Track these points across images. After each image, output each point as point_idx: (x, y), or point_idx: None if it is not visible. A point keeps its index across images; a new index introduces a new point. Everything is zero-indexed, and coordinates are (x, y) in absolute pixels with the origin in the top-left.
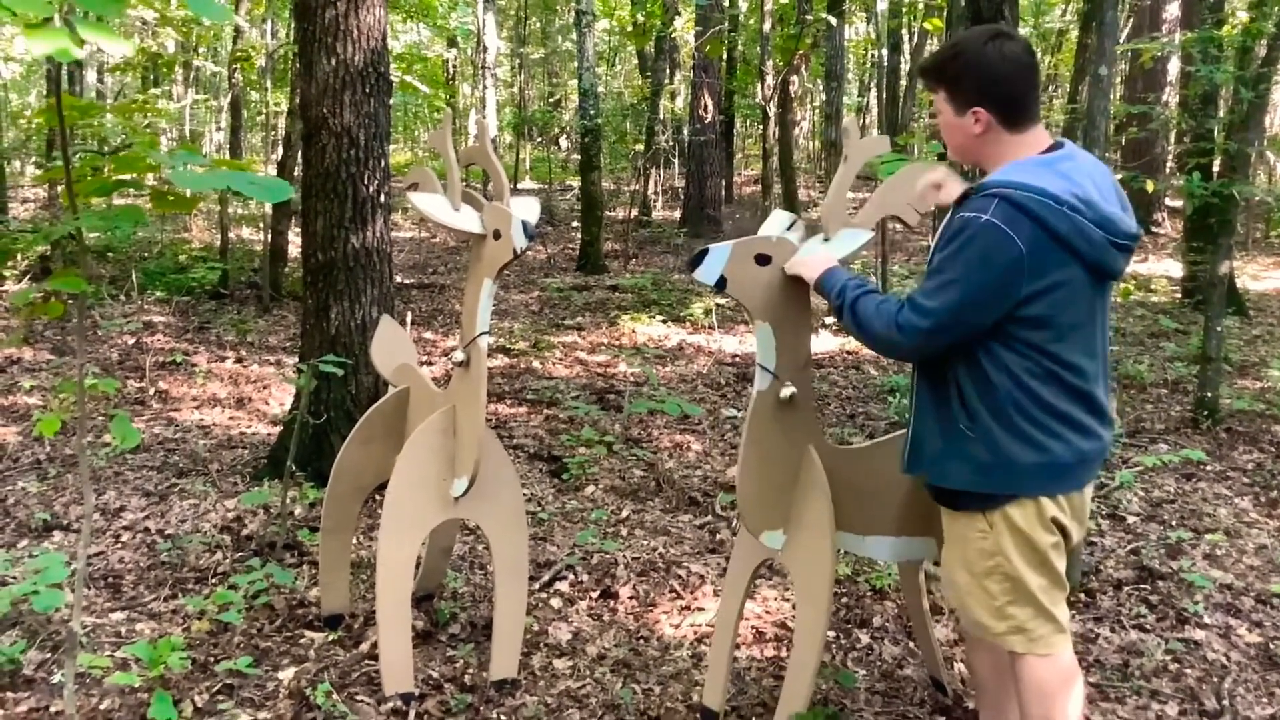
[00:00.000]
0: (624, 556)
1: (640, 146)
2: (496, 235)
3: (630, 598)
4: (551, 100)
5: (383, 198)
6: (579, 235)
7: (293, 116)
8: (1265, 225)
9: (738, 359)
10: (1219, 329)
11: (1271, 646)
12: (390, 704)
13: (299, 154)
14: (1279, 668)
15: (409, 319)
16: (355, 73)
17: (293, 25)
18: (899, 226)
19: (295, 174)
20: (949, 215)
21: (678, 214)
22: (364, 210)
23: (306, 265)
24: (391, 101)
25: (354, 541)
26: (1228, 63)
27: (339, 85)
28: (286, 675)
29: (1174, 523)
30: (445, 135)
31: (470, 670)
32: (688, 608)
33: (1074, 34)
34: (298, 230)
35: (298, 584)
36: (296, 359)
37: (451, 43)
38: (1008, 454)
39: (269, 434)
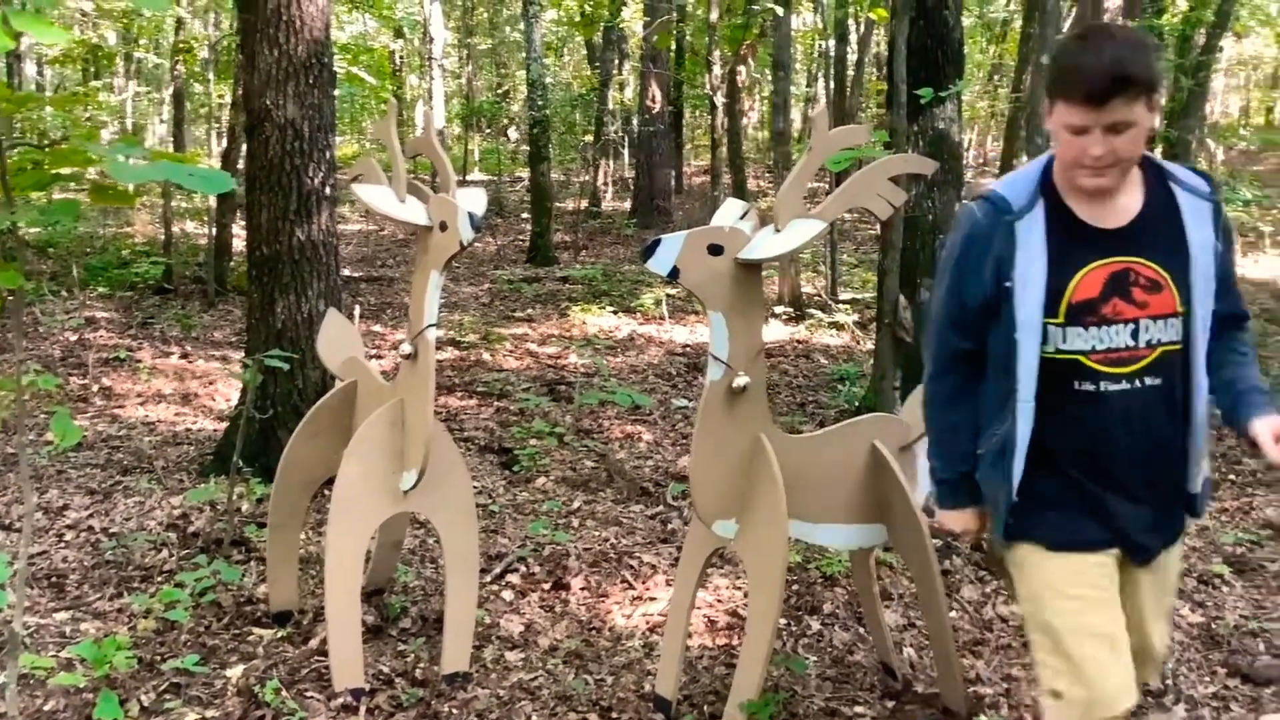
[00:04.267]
0: (575, 547)
1: (589, 137)
2: (443, 227)
3: (582, 589)
4: (500, 91)
5: (328, 190)
6: (529, 227)
7: (236, 108)
8: None
9: (688, 349)
10: None
11: (1213, 626)
12: (340, 700)
13: (243, 146)
14: (1220, 647)
15: (357, 312)
16: (298, 64)
17: (236, 16)
18: (849, 215)
19: (240, 166)
20: (1221, 210)
21: (627, 205)
22: (309, 203)
23: (251, 259)
24: (336, 93)
25: (302, 537)
26: (1168, 51)
27: (282, 76)
28: (234, 673)
29: None
30: (389, 126)
31: (421, 664)
32: (640, 598)
33: (1018, 24)
34: (243, 224)
35: (245, 581)
36: (242, 354)
37: (398, 33)
38: None
39: (215, 430)
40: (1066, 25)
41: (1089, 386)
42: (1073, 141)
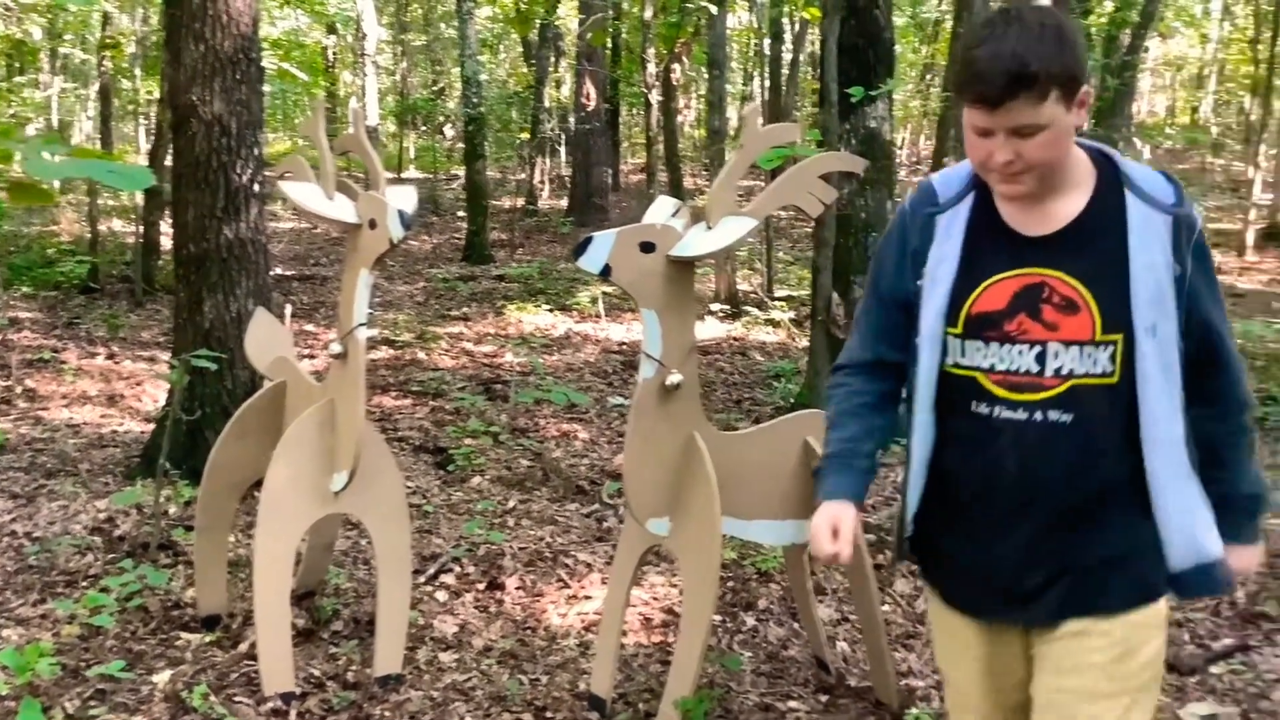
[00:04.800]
0: (511, 547)
1: (526, 135)
2: (372, 225)
3: (517, 588)
4: (435, 88)
5: (256, 187)
6: (465, 225)
7: (163, 105)
8: None
9: (625, 347)
10: None
11: None
12: (270, 704)
13: (170, 143)
14: None
15: (288, 311)
16: (225, 59)
17: (162, 11)
18: (785, 213)
19: (167, 163)
20: (1190, 227)
21: (564, 203)
22: (237, 200)
23: (178, 257)
24: (266, 89)
25: (231, 540)
26: (1095, 51)
27: (208, 72)
28: (162, 678)
29: None
30: (317, 123)
31: (353, 667)
32: (575, 596)
33: (950, 24)
34: (171, 222)
35: (173, 585)
36: (170, 354)
37: (331, 29)
38: None
39: (142, 432)
40: None
41: (984, 409)
42: (977, 144)
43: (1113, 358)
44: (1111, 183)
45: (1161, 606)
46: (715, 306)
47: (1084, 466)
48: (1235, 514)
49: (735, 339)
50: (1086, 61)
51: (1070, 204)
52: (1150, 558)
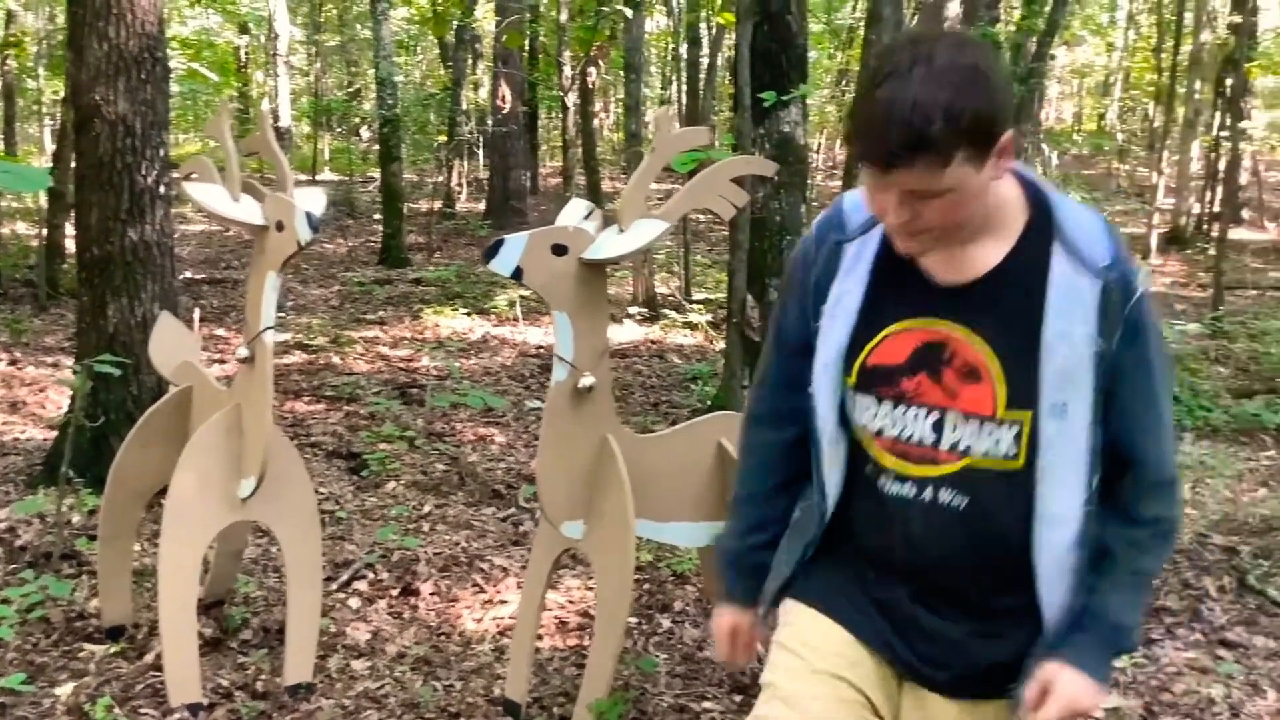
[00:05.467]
0: (425, 552)
1: (443, 138)
2: (279, 227)
3: (432, 594)
4: (351, 89)
5: (162, 189)
6: (381, 228)
7: (67, 105)
8: None
9: (542, 350)
10: None
11: None
12: (177, 715)
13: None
14: None
15: (197, 315)
16: (129, 58)
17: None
18: (703, 216)
19: (72, 165)
20: (1125, 293)
21: (482, 206)
22: (142, 202)
23: (81, 261)
24: (175, 89)
25: (137, 548)
26: (1003, 58)
27: (112, 71)
28: (64, 691)
29: None
30: (222, 124)
31: (263, 676)
32: (490, 601)
33: (863, 31)
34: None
35: (76, 595)
36: (74, 359)
37: (243, 29)
38: None
39: (44, 439)
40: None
41: (870, 476)
42: (872, 199)
43: (1018, 438)
44: (1040, 231)
45: None
46: (633, 309)
47: (978, 558)
48: (1090, 635)
49: (653, 341)
50: (1009, 103)
51: (990, 252)
52: (1000, 653)
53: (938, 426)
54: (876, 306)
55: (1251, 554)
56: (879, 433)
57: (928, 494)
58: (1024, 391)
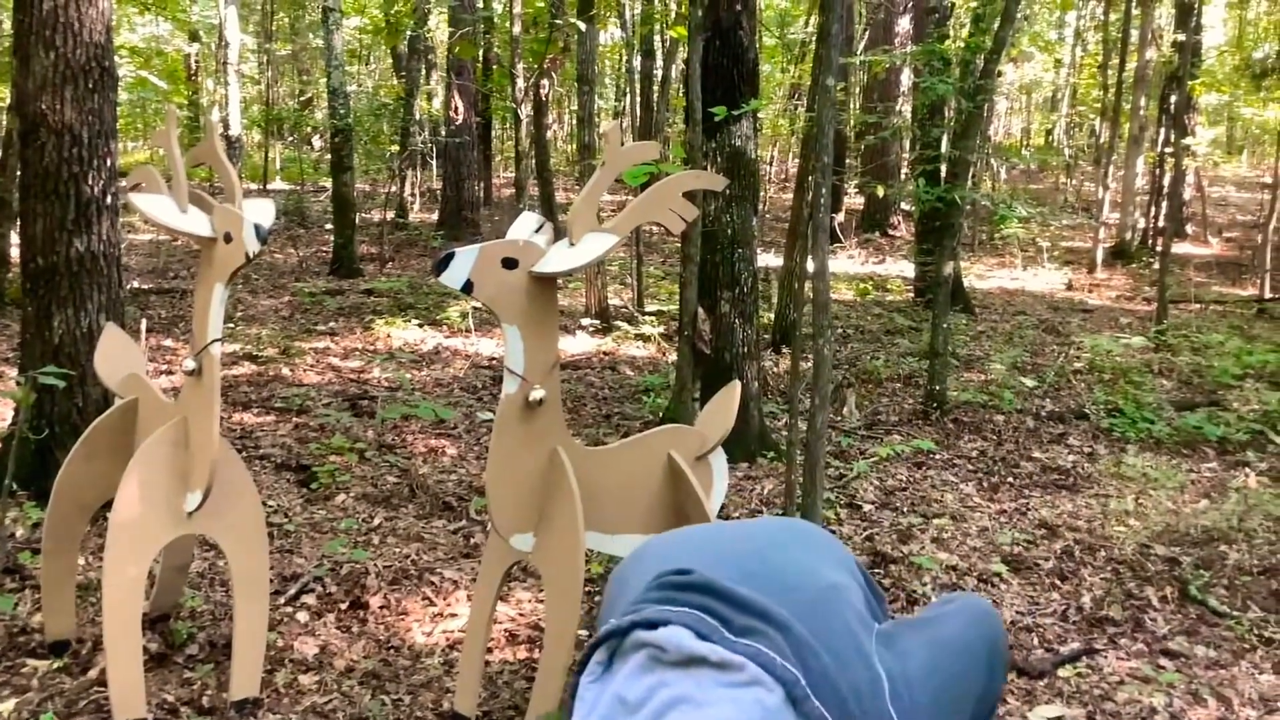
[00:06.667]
0: (375, 565)
1: (396, 148)
2: (227, 238)
3: (381, 607)
4: (302, 98)
5: (109, 199)
6: (332, 238)
7: (13, 113)
8: (989, 227)
9: (495, 362)
10: (946, 326)
11: None
12: None
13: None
14: None
15: (144, 326)
16: (77, 67)
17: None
18: (656, 228)
19: (18, 174)
20: None
21: (435, 216)
22: (88, 212)
23: (26, 271)
24: (125, 97)
25: (81, 562)
26: (951, 75)
27: (59, 80)
28: (6, 707)
29: (905, 509)
30: (169, 134)
31: (209, 691)
32: (440, 614)
33: (815, 46)
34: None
35: (19, 610)
36: (17, 371)
37: (193, 36)
38: None
39: None
40: (860, 46)
41: None
42: None
43: None
44: None
45: None
46: (586, 321)
47: None
48: None
49: (605, 353)
50: None
51: None
52: None
53: None
54: None
55: (1193, 564)
56: None
57: None
58: None
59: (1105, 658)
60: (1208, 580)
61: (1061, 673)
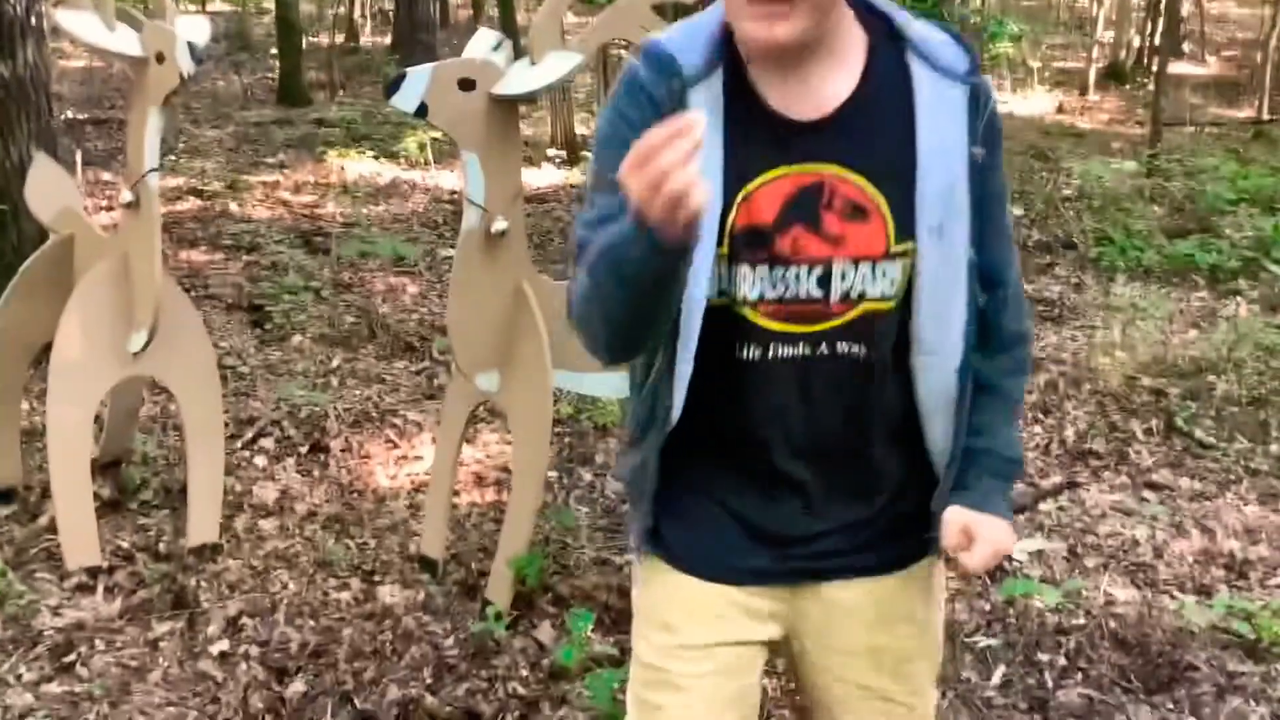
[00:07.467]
0: (335, 408)
1: None
2: (159, 59)
3: (342, 450)
4: None
5: (34, 19)
6: (277, 63)
7: None
8: (978, 46)
9: (456, 196)
10: None
11: None
12: (75, 579)
13: None
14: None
15: (80, 159)
16: None
17: None
18: (624, 51)
19: None
20: (987, 99)
21: (388, 39)
22: (11, 34)
23: None
24: None
25: (25, 408)
26: None
27: None
28: None
29: None
30: None
31: (165, 538)
32: (404, 457)
33: None
34: None
35: None
36: None
37: None
38: None
39: None
40: None
41: (754, 354)
42: None
43: (904, 270)
44: (890, 48)
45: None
46: (551, 152)
47: (875, 409)
48: (991, 477)
49: (573, 186)
50: None
51: (842, 79)
52: (905, 503)
53: (824, 281)
54: (735, 161)
55: (1180, 396)
56: (760, 299)
57: (824, 348)
58: (908, 218)
59: (1088, 491)
60: (1194, 412)
61: (1043, 507)
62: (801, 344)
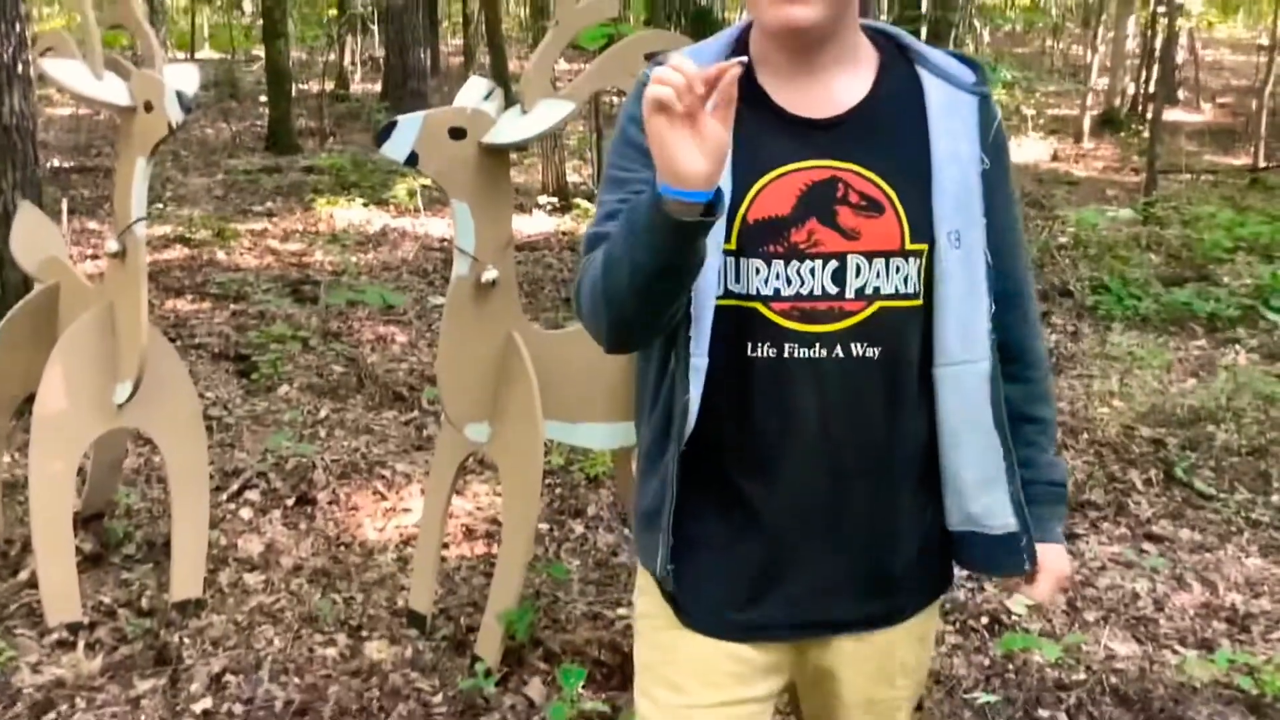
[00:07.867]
0: (322, 459)
1: (334, 12)
2: (148, 108)
3: (330, 503)
4: None
5: (21, 67)
6: (267, 111)
7: None
8: None
9: (446, 243)
10: None
11: None
12: (55, 635)
13: None
14: None
15: (66, 207)
16: None
17: None
18: (617, 99)
19: None
20: (994, 112)
21: (379, 87)
22: None
23: None
24: None
25: (7, 460)
26: None
27: None
28: None
29: None
30: None
31: (148, 593)
32: (393, 509)
33: None
34: None
35: None
36: None
37: None
38: None
39: None
40: None
41: (769, 351)
42: None
43: (919, 272)
44: (899, 61)
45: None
46: (543, 199)
47: (895, 416)
48: (1042, 505)
49: (564, 233)
50: None
51: (854, 84)
52: (921, 527)
53: (838, 276)
54: (746, 156)
55: (1179, 445)
56: (775, 295)
57: (839, 350)
58: (923, 219)
59: (1087, 543)
60: (1194, 462)
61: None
62: (817, 345)
